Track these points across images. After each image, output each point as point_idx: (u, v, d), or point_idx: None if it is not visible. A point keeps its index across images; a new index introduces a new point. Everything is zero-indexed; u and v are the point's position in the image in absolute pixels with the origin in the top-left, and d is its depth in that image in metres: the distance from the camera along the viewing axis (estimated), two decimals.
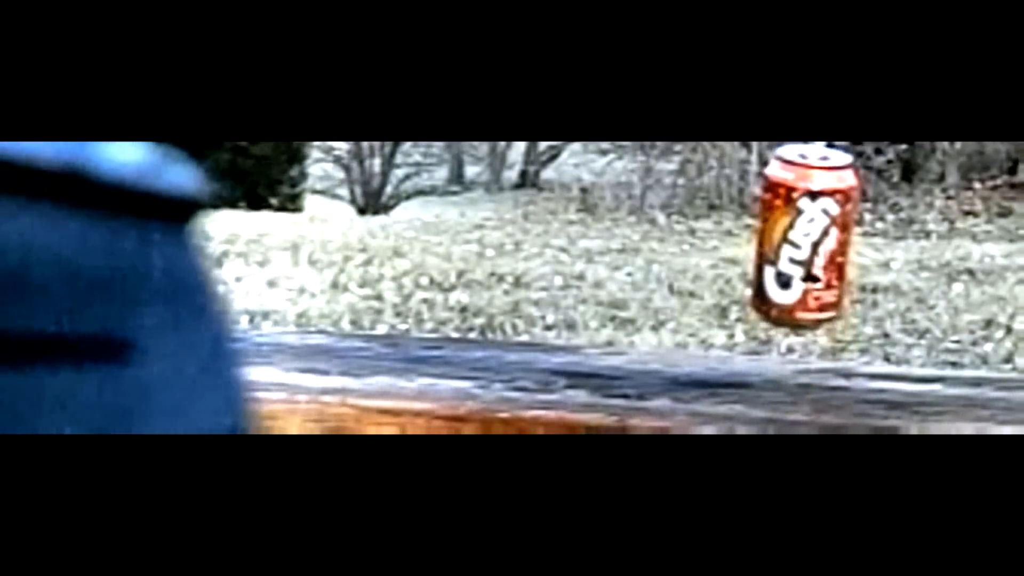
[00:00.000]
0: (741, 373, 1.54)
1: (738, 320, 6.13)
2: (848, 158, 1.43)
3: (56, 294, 0.42)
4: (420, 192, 13.28)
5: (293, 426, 1.36)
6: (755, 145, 9.30)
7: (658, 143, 10.42)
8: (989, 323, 6.27)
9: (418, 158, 13.81)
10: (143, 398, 0.44)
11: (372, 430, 1.35)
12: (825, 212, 1.41)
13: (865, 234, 8.25)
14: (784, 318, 1.46)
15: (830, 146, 1.42)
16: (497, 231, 9.05)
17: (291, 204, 11.04)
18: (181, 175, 0.46)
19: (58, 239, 0.42)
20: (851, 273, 1.48)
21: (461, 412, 1.36)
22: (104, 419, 0.43)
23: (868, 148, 9.60)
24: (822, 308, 1.44)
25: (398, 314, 6.54)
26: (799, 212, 1.41)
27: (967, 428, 1.34)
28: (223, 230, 7.76)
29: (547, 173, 13.08)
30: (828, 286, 1.43)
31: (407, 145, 13.19)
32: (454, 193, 13.26)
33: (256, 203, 10.05)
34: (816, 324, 1.49)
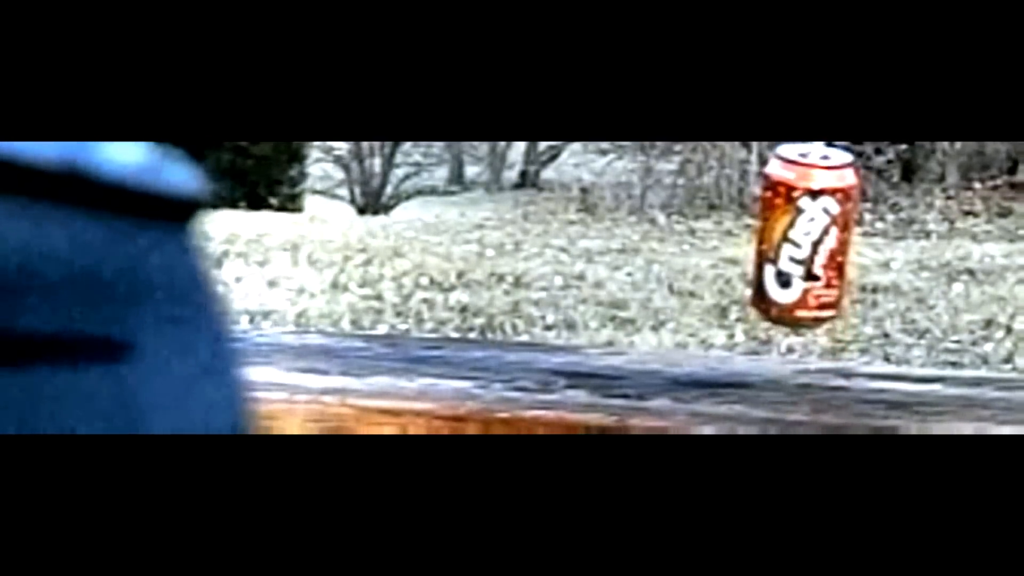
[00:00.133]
0: (741, 373, 1.54)
1: (738, 320, 6.13)
2: (848, 157, 1.43)
3: (56, 294, 0.42)
4: (420, 192, 13.28)
5: (293, 426, 1.36)
6: (755, 145, 9.29)
7: (658, 143, 10.41)
8: (989, 323, 6.26)
9: (418, 158, 13.81)
10: (143, 397, 0.44)
11: (372, 430, 1.35)
12: (826, 211, 1.41)
13: (865, 234, 8.24)
14: (784, 317, 1.46)
15: (830, 145, 1.42)
16: (497, 231, 9.05)
17: (291, 204, 11.03)
18: (181, 175, 0.46)
19: (58, 239, 0.42)
20: (851, 273, 1.48)
21: (461, 412, 1.36)
22: (104, 418, 0.43)
23: (868, 148, 9.59)
24: (822, 307, 1.44)
25: (398, 314, 6.54)
26: (800, 211, 1.41)
27: (967, 428, 1.34)
28: (223, 230, 7.75)
29: (547, 173, 13.08)
30: (828, 285, 1.43)
31: (407, 145, 13.18)
32: (454, 193, 13.26)
33: (256, 203, 10.04)
34: (816, 323, 1.49)
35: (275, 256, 7.62)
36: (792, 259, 1.42)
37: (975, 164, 10.56)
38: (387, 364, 1.51)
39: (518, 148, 13.25)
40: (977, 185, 10.31)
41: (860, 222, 7.08)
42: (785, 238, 1.42)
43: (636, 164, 11.06)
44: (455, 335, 6.09)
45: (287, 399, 1.38)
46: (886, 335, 6.15)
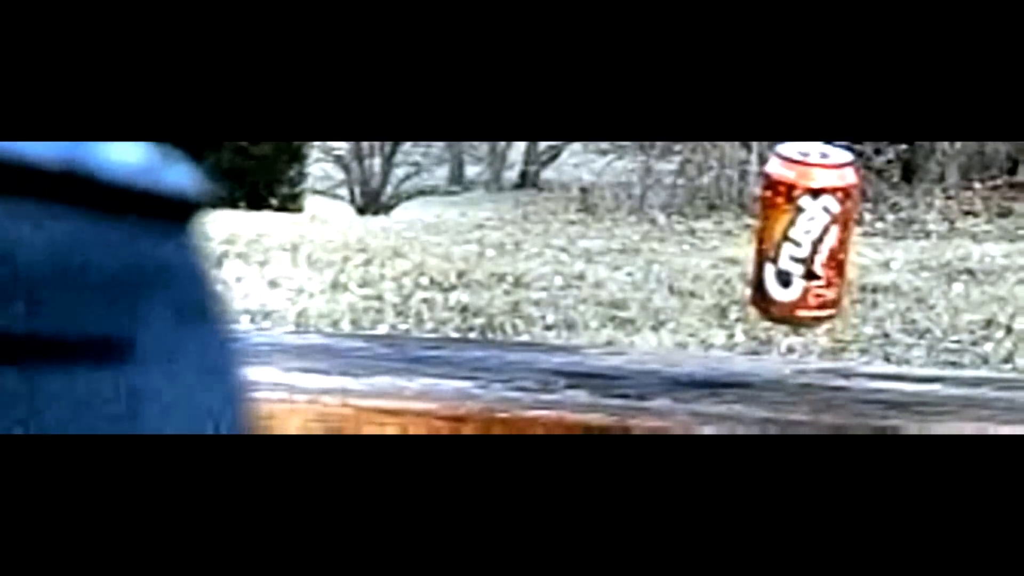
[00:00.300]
0: (741, 373, 1.54)
1: (738, 320, 6.13)
2: (849, 156, 1.43)
3: (56, 294, 0.42)
4: (420, 192, 13.29)
5: (293, 426, 1.36)
6: (755, 145, 9.30)
7: (658, 143, 10.42)
8: (989, 323, 6.27)
9: (418, 158, 13.82)
10: (143, 397, 0.44)
11: (372, 430, 1.35)
12: (826, 210, 1.41)
13: (865, 234, 8.25)
14: (784, 316, 1.46)
15: (830, 144, 1.42)
16: (497, 231, 9.05)
17: (291, 204, 11.04)
18: (181, 175, 0.46)
19: (59, 239, 0.42)
20: (851, 273, 1.48)
21: (461, 412, 1.36)
22: (104, 418, 0.43)
23: (868, 148, 9.60)
24: (822, 306, 1.44)
25: (398, 314, 6.54)
26: (800, 210, 1.41)
27: (967, 428, 1.34)
28: (223, 230, 7.76)
29: (547, 173, 13.09)
30: (828, 284, 1.43)
31: (407, 145, 13.19)
32: (454, 193, 13.26)
33: (256, 203, 10.05)
34: (816, 322, 1.49)
35: (275, 256, 7.63)
36: (792, 258, 1.42)
37: (975, 164, 10.56)
38: (387, 364, 1.51)
39: (518, 148, 13.26)
40: (977, 185, 10.31)
41: (860, 222, 7.09)
42: (785, 237, 1.42)
43: (636, 164, 11.07)
44: (455, 335, 6.10)
45: (287, 399, 1.38)
46: (886, 335, 6.15)
